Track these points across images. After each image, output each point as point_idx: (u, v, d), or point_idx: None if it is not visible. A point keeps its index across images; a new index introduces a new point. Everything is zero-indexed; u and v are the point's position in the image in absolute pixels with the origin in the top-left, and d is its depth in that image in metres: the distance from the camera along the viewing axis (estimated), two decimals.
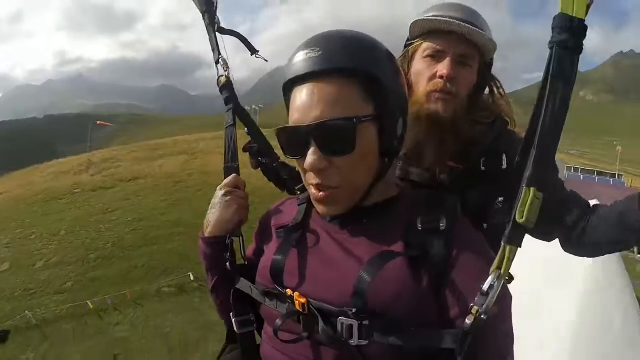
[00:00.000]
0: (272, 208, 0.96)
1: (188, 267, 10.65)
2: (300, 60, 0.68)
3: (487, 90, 1.12)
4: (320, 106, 0.66)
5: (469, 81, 1.03)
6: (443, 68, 0.98)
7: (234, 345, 0.92)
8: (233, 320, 0.83)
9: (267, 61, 1.15)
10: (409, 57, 1.08)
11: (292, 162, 0.90)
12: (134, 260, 12.14)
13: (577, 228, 0.93)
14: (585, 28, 0.61)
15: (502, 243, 0.61)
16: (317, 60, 0.67)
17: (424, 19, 1.02)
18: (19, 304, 9.96)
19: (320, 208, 0.75)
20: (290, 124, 0.71)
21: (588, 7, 0.61)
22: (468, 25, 0.96)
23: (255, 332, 0.85)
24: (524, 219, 0.59)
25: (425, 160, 1.02)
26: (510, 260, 0.60)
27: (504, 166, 0.98)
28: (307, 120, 0.67)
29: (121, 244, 13.07)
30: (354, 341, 0.63)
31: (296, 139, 0.70)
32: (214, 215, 0.90)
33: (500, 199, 0.81)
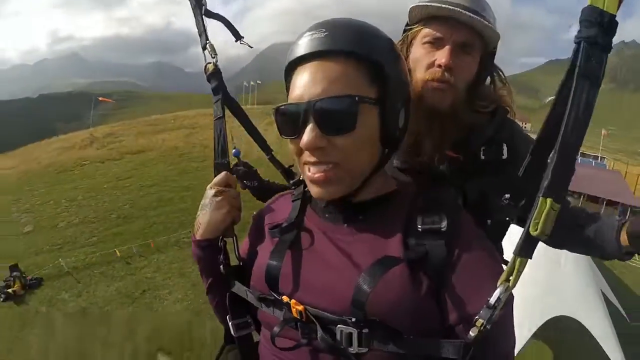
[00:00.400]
0: (266, 205, 0.94)
1: None
2: (306, 41, 0.68)
3: (488, 80, 1.10)
4: (323, 83, 0.66)
5: (469, 71, 0.99)
6: (442, 56, 0.95)
7: (232, 345, 0.91)
8: (230, 323, 0.83)
9: (251, 47, 1.10)
10: (407, 42, 1.05)
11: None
12: (151, 218, 13.26)
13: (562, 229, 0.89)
14: (616, 25, 0.56)
15: (512, 254, 0.59)
16: (323, 41, 0.66)
17: (423, 5, 0.99)
18: (48, 256, 10.96)
19: (315, 190, 0.72)
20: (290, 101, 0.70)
21: (620, 1, 0.56)
22: (470, 14, 0.93)
23: (255, 330, 0.85)
24: (538, 231, 0.57)
25: (424, 149, 1.00)
26: (520, 272, 0.58)
27: (505, 156, 0.97)
28: (306, 97, 0.66)
29: (137, 205, 14.17)
30: (354, 349, 0.63)
31: (294, 117, 0.68)
32: (204, 216, 0.86)
33: (507, 195, 0.76)
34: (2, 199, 15.43)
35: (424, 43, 1.00)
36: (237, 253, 0.90)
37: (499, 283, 0.59)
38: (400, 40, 1.06)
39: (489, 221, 0.88)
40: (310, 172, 0.70)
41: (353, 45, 0.67)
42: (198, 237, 0.87)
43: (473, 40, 0.97)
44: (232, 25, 1.03)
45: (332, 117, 0.66)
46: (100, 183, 16.69)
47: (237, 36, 1.06)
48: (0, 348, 7.11)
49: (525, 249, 0.58)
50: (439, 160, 1.00)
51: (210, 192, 0.88)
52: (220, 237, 0.87)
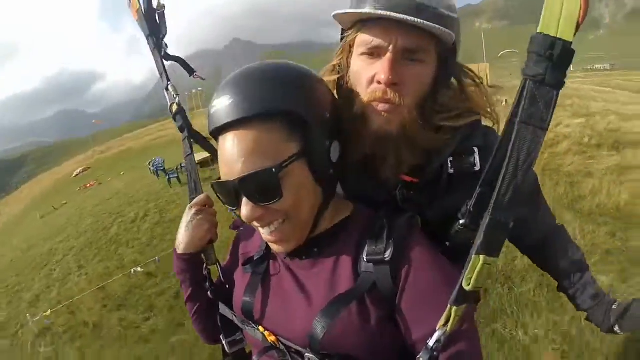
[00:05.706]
0: (243, 230, 1.00)
1: None
2: (218, 110, 0.68)
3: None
4: (241, 160, 0.67)
5: (420, 82, 0.77)
6: (381, 71, 0.74)
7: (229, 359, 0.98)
8: (223, 341, 0.92)
9: (204, 79, 1.17)
10: (347, 52, 0.84)
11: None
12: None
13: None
14: (572, 54, 0.48)
15: (448, 305, 0.60)
16: (230, 110, 0.66)
17: (346, 11, 0.77)
18: None
19: (275, 247, 0.78)
20: (221, 176, 0.73)
21: (577, 26, 0.48)
22: (405, 16, 0.69)
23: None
24: (470, 286, 0.57)
25: (378, 173, 0.84)
26: (458, 316, 0.60)
27: (477, 167, 0.79)
28: (232, 174, 0.69)
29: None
30: None
31: (228, 193, 0.71)
32: (185, 233, 0.93)
33: (461, 221, 0.69)
34: None
35: (361, 54, 0.78)
36: (221, 278, 0.99)
37: (437, 327, 0.63)
38: (338, 51, 0.86)
39: (447, 243, 0.78)
40: (264, 234, 0.75)
41: (258, 107, 0.65)
42: (180, 251, 0.94)
43: (422, 42, 0.73)
44: (187, 63, 1.12)
45: (258, 191, 0.68)
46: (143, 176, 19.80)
47: (190, 72, 1.16)
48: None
49: (460, 299, 0.60)
50: (394, 187, 0.85)
51: (190, 211, 0.94)
52: (205, 265, 0.97)
